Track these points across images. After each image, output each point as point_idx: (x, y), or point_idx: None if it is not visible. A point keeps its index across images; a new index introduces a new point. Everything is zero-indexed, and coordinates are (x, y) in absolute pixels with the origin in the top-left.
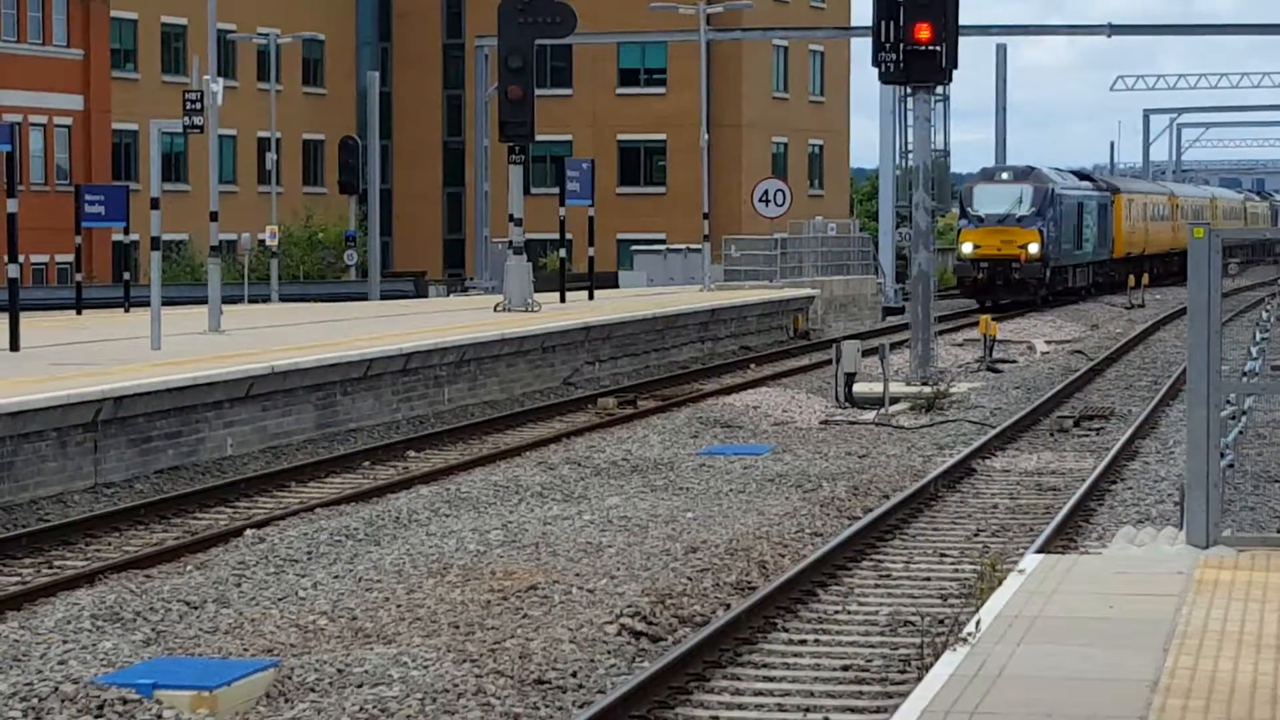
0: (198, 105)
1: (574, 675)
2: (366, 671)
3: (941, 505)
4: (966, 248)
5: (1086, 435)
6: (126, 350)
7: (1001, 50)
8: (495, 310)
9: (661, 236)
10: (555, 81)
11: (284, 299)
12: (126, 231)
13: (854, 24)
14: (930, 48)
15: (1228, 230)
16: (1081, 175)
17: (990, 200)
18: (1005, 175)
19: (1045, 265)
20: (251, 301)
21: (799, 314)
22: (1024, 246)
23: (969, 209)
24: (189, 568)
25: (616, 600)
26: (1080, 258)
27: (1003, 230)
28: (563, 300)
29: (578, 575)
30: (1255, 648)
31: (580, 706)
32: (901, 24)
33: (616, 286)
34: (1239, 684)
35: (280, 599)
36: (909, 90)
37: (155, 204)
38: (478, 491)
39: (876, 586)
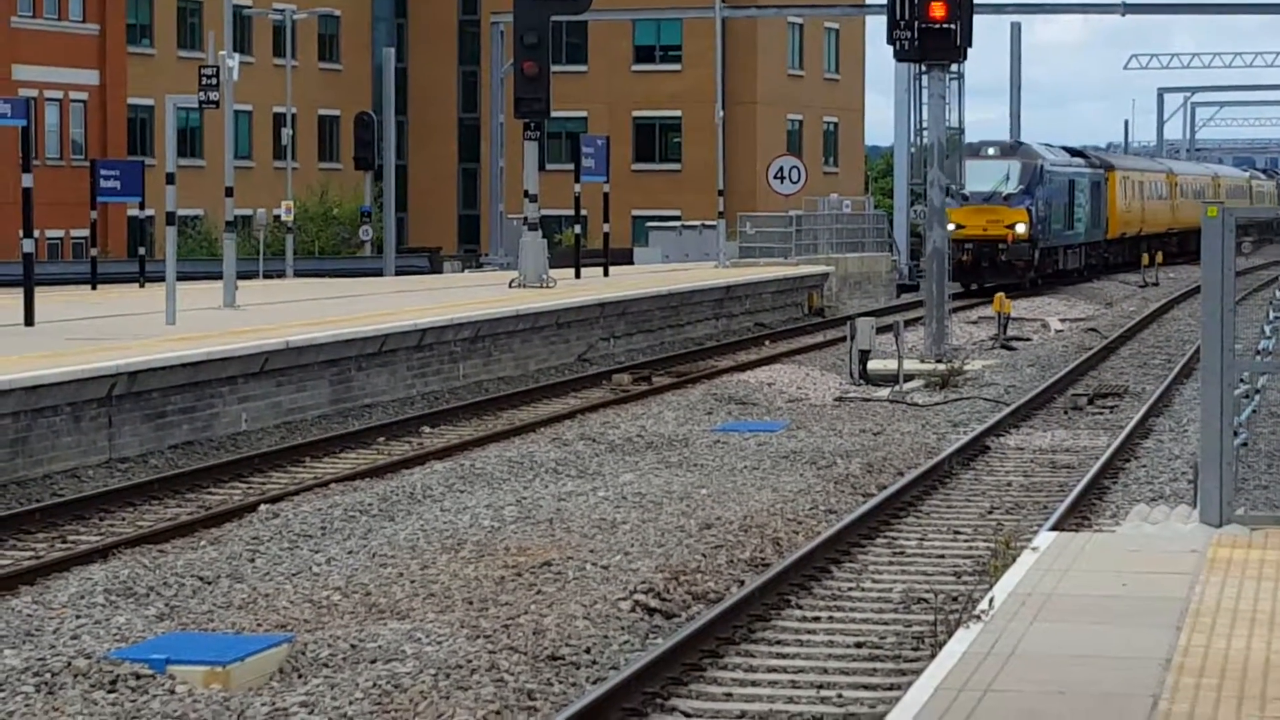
0: (213, 80)
1: (587, 651)
2: (380, 647)
3: (956, 483)
4: (949, 227)
5: (1100, 413)
6: (141, 325)
7: (1016, 28)
8: (510, 286)
9: (676, 213)
10: (571, 58)
11: (299, 274)
12: (142, 206)
13: (869, 2)
14: (945, 25)
15: (1241, 209)
16: (1073, 152)
17: (975, 177)
18: (991, 151)
19: (1034, 246)
20: (267, 277)
21: (814, 291)
22: (1011, 226)
23: (951, 186)
24: (203, 543)
25: (630, 576)
26: (1071, 238)
27: (988, 209)
28: (578, 276)
29: (592, 551)
30: (1269, 626)
31: (594, 683)
32: (916, 2)
33: (631, 263)
34: (1252, 662)
35: (294, 574)
36: (924, 68)
37: (171, 179)
38: (492, 467)
39: (890, 564)
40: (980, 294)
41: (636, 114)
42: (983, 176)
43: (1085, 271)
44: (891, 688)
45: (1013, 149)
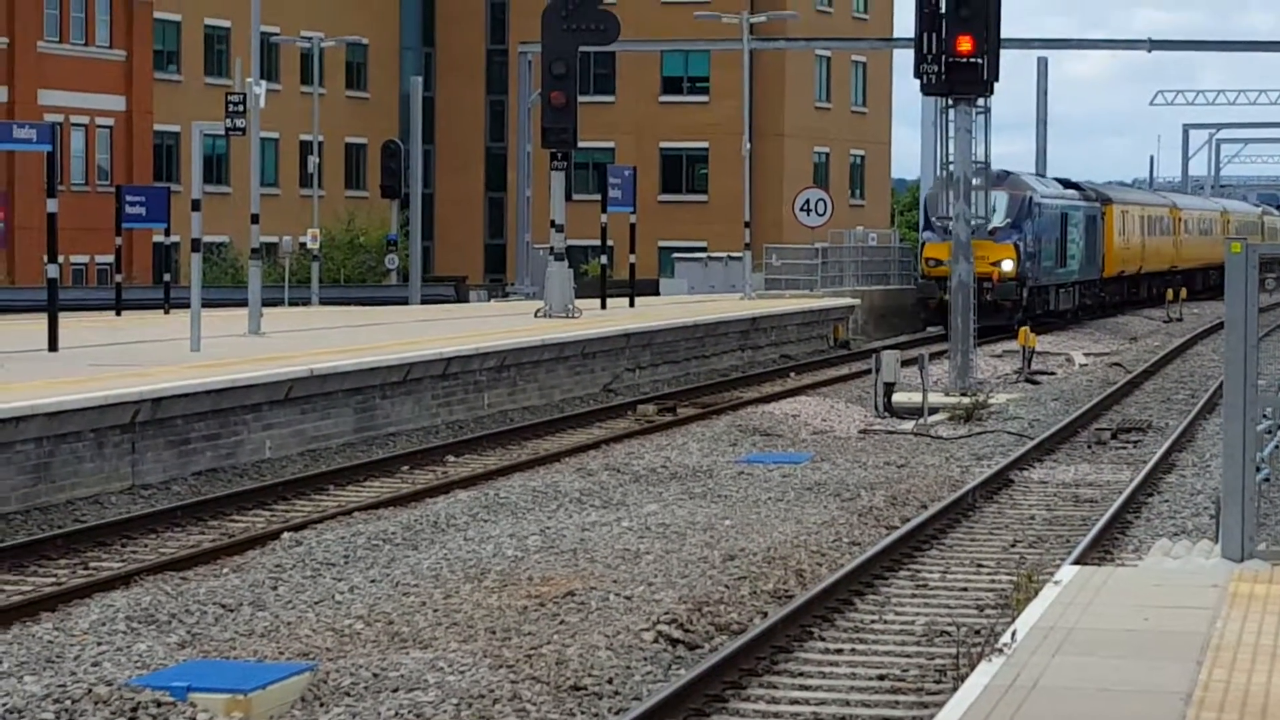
0: (240, 107)
1: (610, 682)
2: (402, 676)
3: (979, 516)
4: (930, 264)
5: (1124, 448)
6: (165, 351)
7: (1043, 63)
8: (536, 316)
9: (703, 244)
10: (598, 88)
11: (324, 302)
12: (167, 233)
13: (896, 35)
14: (972, 60)
15: (1265, 245)
16: (1066, 183)
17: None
18: (977, 180)
19: (1021, 285)
20: (292, 304)
21: (839, 323)
22: (997, 264)
23: (934, 218)
24: (225, 570)
25: (653, 607)
26: (1063, 277)
27: (972, 244)
28: (603, 307)
29: (615, 582)
30: None
31: (616, 714)
32: (943, 36)
33: (657, 294)
34: (1272, 697)
35: (316, 602)
36: (950, 102)
37: (196, 205)
38: (516, 497)
39: (913, 596)
40: None
41: (664, 145)
42: None
43: (1079, 313)
44: None
45: (1000, 179)
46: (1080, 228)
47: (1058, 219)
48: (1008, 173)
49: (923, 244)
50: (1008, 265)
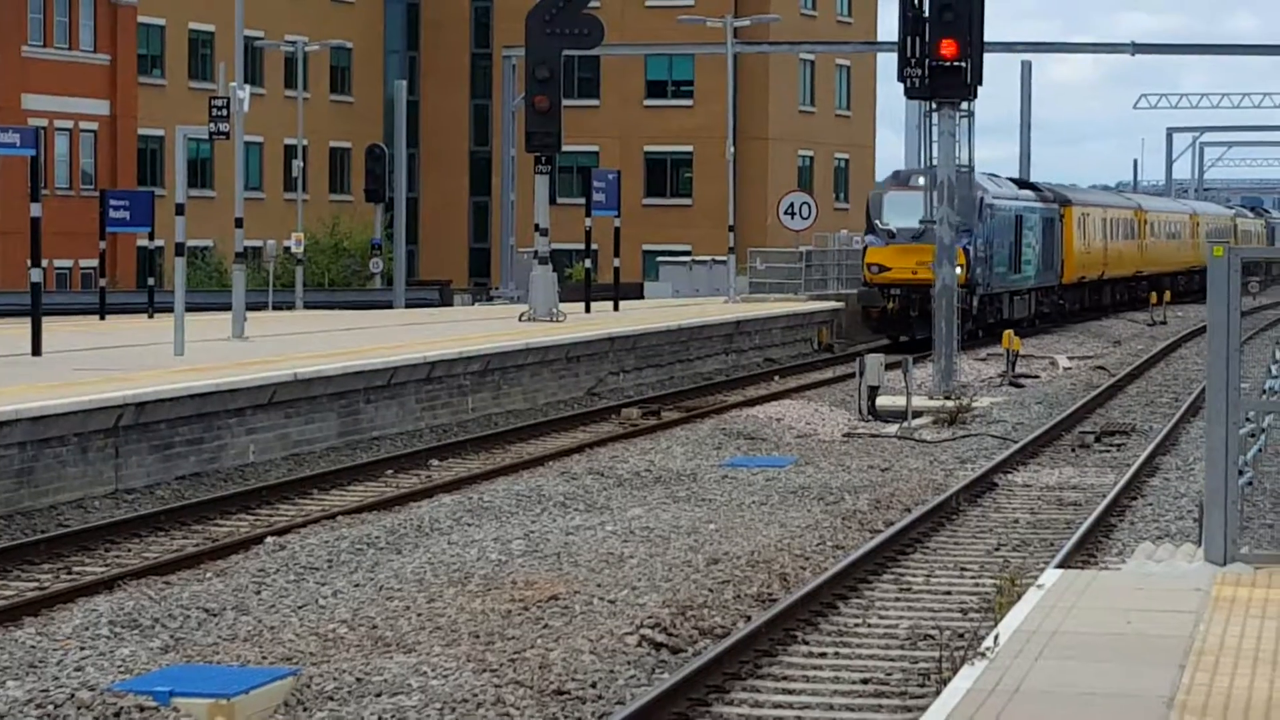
0: (224, 111)
1: (593, 686)
2: (386, 680)
3: (963, 519)
4: (872, 270)
5: (1108, 451)
6: (149, 356)
7: (1026, 67)
8: (520, 320)
9: (687, 248)
10: (583, 92)
11: (309, 306)
12: (151, 237)
13: (880, 39)
14: (955, 64)
15: (1248, 249)
16: (1022, 184)
17: (903, 210)
18: (921, 180)
19: (972, 293)
20: (276, 308)
21: (823, 327)
22: None
23: (877, 222)
24: (209, 574)
25: (637, 611)
26: (1018, 283)
27: (918, 249)
28: (588, 310)
29: (599, 586)
30: (1271, 665)
31: (599, 718)
32: (927, 40)
33: (642, 297)
34: (1255, 701)
35: (300, 607)
36: (934, 105)
37: (180, 210)
38: (500, 501)
39: (897, 600)
40: (912, 348)
41: (648, 149)
42: (912, 209)
43: (1036, 321)
44: None
45: None
46: (1037, 231)
47: (1012, 222)
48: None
49: (865, 248)
50: (956, 271)
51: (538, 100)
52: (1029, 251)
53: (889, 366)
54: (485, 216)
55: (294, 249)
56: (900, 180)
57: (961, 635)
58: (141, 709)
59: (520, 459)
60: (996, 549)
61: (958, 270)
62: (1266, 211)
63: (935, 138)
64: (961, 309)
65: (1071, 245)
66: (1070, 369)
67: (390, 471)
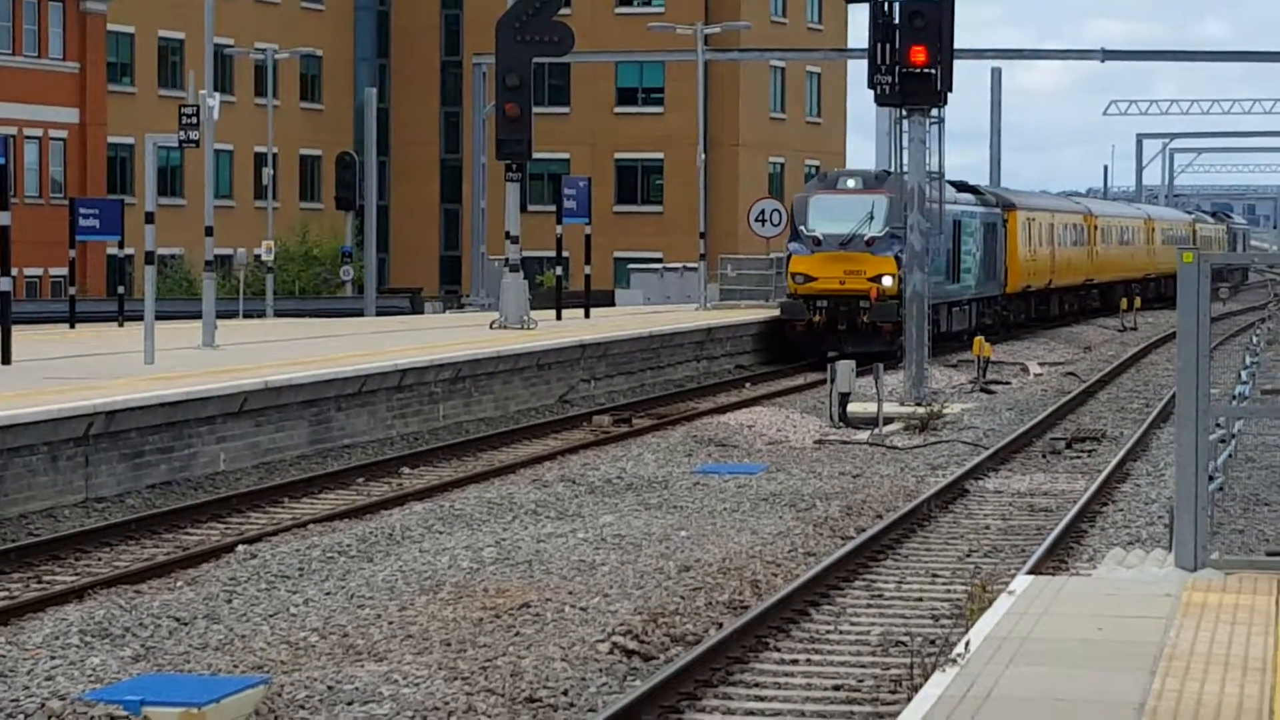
0: (194, 120)
1: (565, 694)
2: (357, 689)
3: (934, 526)
4: (796, 279)
5: (1078, 457)
6: (120, 364)
7: (996, 74)
8: (491, 327)
9: (658, 255)
10: (553, 100)
11: (279, 314)
12: (121, 245)
13: (851, 46)
14: (925, 70)
15: (1217, 255)
16: (962, 186)
17: (831, 216)
18: (850, 182)
19: (903, 305)
20: (247, 317)
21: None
22: (876, 279)
23: (802, 228)
24: (179, 583)
25: (609, 618)
26: (957, 293)
27: (847, 256)
28: (559, 318)
29: (570, 593)
30: (1241, 670)
31: None
32: (897, 47)
33: (613, 305)
34: (1225, 706)
35: (271, 615)
36: (904, 112)
37: (150, 218)
38: (471, 509)
39: (868, 606)
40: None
41: (618, 156)
42: (840, 214)
43: (973, 334)
44: None
45: (879, 181)
46: (977, 237)
47: (950, 227)
48: (887, 173)
49: (789, 257)
50: (888, 281)
51: (508, 107)
52: (969, 259)
53: (860, 373)
54: (456, 224)
55: (264, 257)
56: (827, 183)
57: (933, 642)
58: (112, 718)
59: (492, 466)
60: (968, 555)
61: (888, 280)
62: (1229, 216)
63: (905, 144)
64: (893, 323)
65: (1016, 252)
66: (1041, 375)
67: (361, 480)
